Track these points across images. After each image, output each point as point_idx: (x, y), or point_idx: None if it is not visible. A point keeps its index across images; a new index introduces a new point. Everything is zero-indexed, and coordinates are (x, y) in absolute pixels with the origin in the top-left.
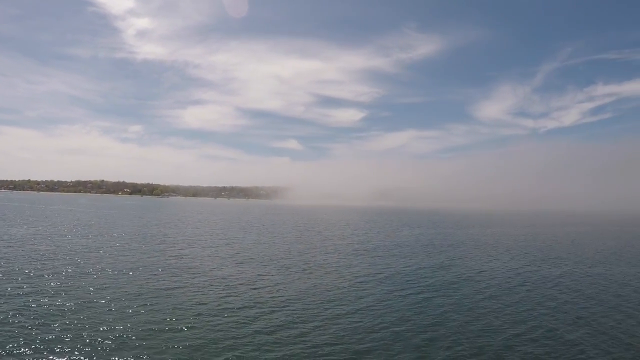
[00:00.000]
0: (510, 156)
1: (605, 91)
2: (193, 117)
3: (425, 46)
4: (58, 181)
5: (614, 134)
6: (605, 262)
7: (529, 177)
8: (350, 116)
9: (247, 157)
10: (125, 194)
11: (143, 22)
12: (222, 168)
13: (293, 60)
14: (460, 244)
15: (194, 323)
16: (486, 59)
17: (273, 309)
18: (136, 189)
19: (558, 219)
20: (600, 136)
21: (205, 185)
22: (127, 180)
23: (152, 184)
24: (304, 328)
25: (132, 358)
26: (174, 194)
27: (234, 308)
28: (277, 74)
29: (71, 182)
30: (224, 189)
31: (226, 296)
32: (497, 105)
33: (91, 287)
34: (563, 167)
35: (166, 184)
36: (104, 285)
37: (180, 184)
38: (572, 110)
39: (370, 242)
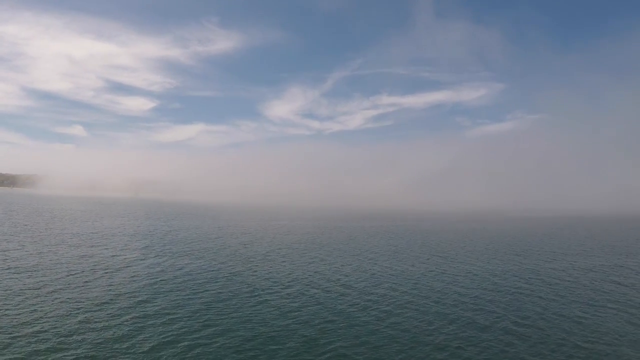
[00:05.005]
0: (286, 154)
1: (389, 101)
2: None
3: (224, 42)
4: None
5: (392, 140)
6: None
7: (294, 173)
8: (140, 105)
9: (29, 142)
10: None
11: None
12: (1, 153)
13: (87, 40)
14: (135, 233)
15: None
16: (281, 60)
17: None
18: None
19: (293, 213)
20: (378, 140)
21: None
22: None
23: None
24: None
25: None
26: None
27: None
28: (69, 53)
29: None
30: None
31: None
32: (286, 106)
33: None
34: (328, 166)
35: None
36: None
37: None
38: (356, 116)
39: (45, 229)
